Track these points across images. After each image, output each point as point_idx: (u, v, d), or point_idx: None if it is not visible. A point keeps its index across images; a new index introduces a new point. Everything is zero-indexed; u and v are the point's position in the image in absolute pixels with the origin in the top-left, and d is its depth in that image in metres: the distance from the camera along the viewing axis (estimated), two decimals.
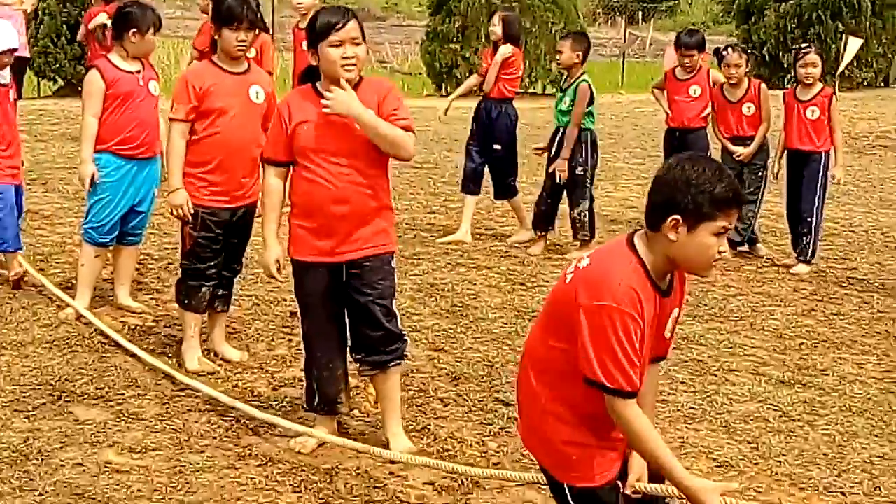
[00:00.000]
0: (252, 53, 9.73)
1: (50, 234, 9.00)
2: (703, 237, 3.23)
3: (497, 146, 9.37)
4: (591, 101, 8.82)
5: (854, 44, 17.99)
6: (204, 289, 6.03)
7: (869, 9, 23.49)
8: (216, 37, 5.92)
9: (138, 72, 6.77)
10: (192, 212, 5.92)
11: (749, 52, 9.71)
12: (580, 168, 8.90)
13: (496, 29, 9.39)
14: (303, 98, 4.88)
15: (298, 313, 5.18)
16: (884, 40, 23.90)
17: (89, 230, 6.91)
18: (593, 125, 8.95)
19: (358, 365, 5.13)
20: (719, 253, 3.30)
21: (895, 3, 23.91)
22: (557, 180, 8.89)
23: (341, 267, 4.92)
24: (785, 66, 22.35)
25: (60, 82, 19.51)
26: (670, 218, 3.23)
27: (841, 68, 18.57)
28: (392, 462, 4.95)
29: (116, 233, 6.97)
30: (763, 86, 9.28)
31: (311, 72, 4.88)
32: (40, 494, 4.55)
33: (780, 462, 5.15)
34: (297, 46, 9.94)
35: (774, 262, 8.99)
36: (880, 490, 4.90)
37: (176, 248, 8.42)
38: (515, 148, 9.52)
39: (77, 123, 11.86)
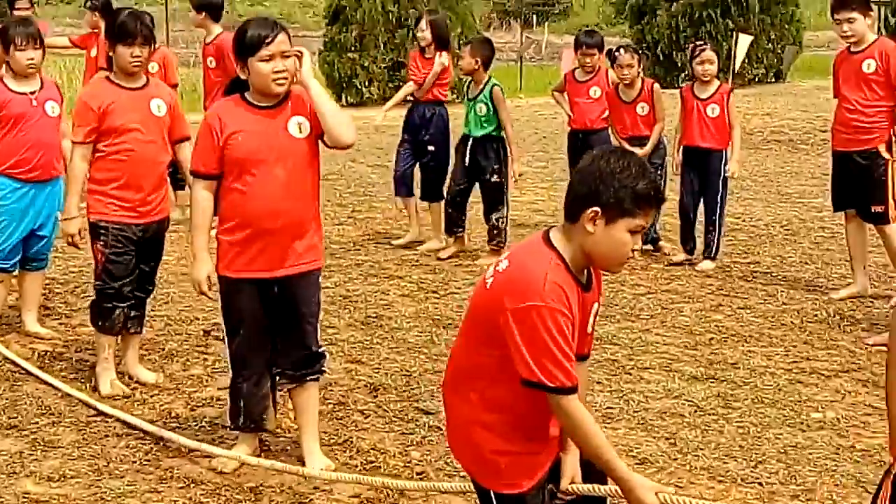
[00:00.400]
0: (154, 68, 9.72)
1: None
2: (619, 233, 3.24)
3: (431, 147, 9.41)
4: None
5: (744, 40, 18.29)
6: (118, 310, 5.95)
7: (757, 6, 23.96)
8: (111, 53, 5.85)
9: (32, 92, 6.64)
10: (102, 229, 5.84)
11: (641, 52, 9.86)
12: (496, 176, 8.97)
13: (425, 34, 9.43)
14: (235, 108, 4.82)
15: (224, 332, 5.09)
16: (772, 36, 24.41)
17: None
18: (502, 132, 9.01)
19: (276, 378, 5.10)
20: (634, 250, 3.32)
21: None
22: (515, 181, 9.10)
23: (272, 283, 4.89)
24: (679, 64, 22.71)
25: None
26: (590, 209, 3.23)
27: (737, 66, 18.91)
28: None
29: (18, 257, 6.85)
30: (656, 86, 9.42)
31: (239, 83, 4.85)
32: None
33: (697, 456, 5.25)
34: (203, 64, 9.93)
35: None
36: (796, 479, 5.02)
37: (82, 272, 8.35)
38: (448, 150, 9.55)
39: None
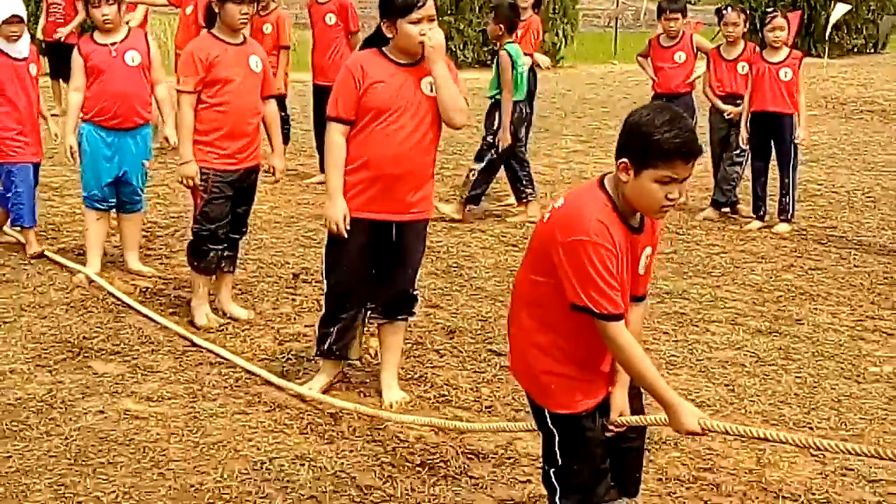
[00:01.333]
0: (269, 29, 10.16)
1: (60, 204, 9.35)
2: (646, 182, 3.48)
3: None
4: (513, 67, 8.94)
5: (841, 8, 18.31)
6: (213, 252, 6.38)
7: None
8: (218, 10, 6.20)
9: (112, 44, 7.05)
10: (203, 175, 6.24)
11: (748, 13, 10.05)
12: (490, 136, 9.10)
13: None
14: (376, 60, 5.12)
15: (324, 265, 5.37)
16: (872, 6, 24.16)
17: (86, 197, 7.32)
18: (521, 96, 9.09)
19: (369, 312, 5.48)
20: (670, 199, 3.51)
21: None
22: (500, 149, 9.02)
23: (389, 226, 5.22)
24: None
25: None
26: (620, 160, 3.53)
27: (828, 31, 18.89)
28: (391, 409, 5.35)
29: (112, 199, 7.31)
30: (759, 48, 9.54)
31: (376, 38, 5.16)
32: (66, 438, 4.92)
33: (753, 402, 5.52)
34: (318, 21, 10.30)
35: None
36: (846, 425, 5.26)
37: (180, 217, 8.84)
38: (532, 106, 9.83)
39: None
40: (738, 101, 9.40)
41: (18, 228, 7.84)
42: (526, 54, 9.57)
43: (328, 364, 5.55)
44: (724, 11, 9.72)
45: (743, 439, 5.02)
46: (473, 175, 9.17)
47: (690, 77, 9.93)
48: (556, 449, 3.75)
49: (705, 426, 3.61)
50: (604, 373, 3.80)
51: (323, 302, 5.51)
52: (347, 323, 5.42)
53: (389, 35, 5.09)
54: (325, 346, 5.46)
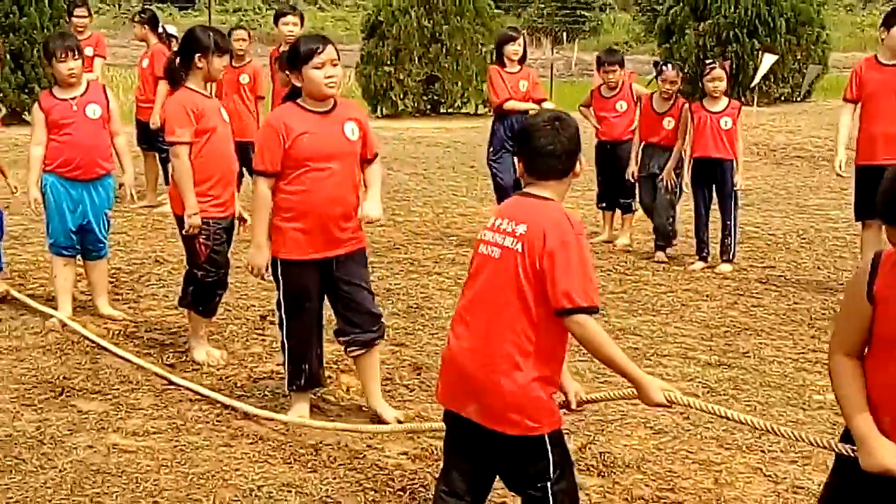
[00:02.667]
0: (245, 79, 10.70)
1: (22, 252, 9.52)
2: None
3: None
4: None
5: (768, 59, 18.98)
6: (217, 297, 6.76)
7: (783, 27, 24.53)
8: (202, 65, 6.46)
9: (73, 98, 7.30)
10: (205, 224, 6.51)
11: (684, 71, 10.48)
12: None
13: (520, 49, 10.06)
14: (297, 112, 5.49)
15: (284, 308, 5.69)
16: (798, 56, 24.96)
17: (51, 245, 7.54)
18: None
19: (345, 347, 5.80)
20: None
21: (808, 20, 25.01)
22: None
23: (331, 262, 5.57)
24: None
25: (4, 110, 19.86)
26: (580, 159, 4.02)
27: (756, 81, 19.55)
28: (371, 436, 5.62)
29: (76, 246, 7.53)
30: (686, 106, 9.84)
31: (294, 93, 5.54)
32: (60, 471, 5.13)
33: (708, 428, 5.86)
34: (278, 73, 10.77)
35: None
36: (795, 448, 5.62)
37: (142, 263, 9.07)
38: None
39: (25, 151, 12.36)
40: (659, 150, 9.85)
41: None
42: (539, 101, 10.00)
43: (302, 397, 5.85)
44: (664, 68, 10.08)
45: (701, 463, 5.38)
46: None
47: (633, 125, 10.37)
48: (552, 464, 3.90)
49: (671, 398, 3.91)
50: None
51: (286, 347, 5.78)
52: (313, 354, 5.78)
53: (298, 84, 5.47)
54: (302, 381, 5.76)
